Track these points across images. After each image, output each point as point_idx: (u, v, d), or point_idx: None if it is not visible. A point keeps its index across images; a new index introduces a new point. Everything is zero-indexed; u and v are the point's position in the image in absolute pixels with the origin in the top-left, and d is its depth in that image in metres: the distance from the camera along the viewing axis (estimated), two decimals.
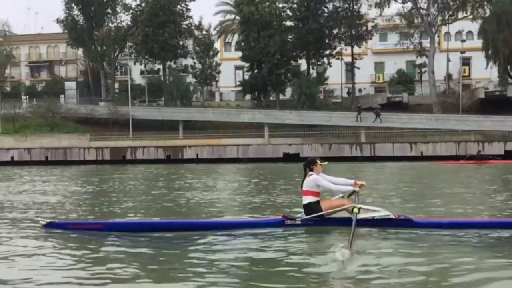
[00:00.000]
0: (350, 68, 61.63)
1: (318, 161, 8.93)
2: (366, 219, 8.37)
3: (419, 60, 65.87)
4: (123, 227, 9.00)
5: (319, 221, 8.53)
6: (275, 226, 8.60)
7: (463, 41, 56.76)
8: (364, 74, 67.24)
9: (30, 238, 8.57)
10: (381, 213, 8.59)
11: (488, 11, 54.28)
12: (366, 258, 6.51)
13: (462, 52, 54.17)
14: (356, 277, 5.79)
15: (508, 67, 50.97)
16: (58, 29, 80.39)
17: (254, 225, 8.83)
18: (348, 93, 63.34)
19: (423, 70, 68.14)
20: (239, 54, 68.29)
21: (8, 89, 72.22)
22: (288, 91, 61.39)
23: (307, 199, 8.71)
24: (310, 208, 8.64)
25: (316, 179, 8.68)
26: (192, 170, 33.60)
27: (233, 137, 51.44)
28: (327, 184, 8.66)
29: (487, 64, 52.27)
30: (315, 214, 8.56)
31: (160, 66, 66.02)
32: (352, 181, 8.75)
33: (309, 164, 8.93)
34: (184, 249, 7.43)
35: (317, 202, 8.67)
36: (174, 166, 41.34)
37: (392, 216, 8.55)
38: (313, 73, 60.48)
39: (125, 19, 65.11)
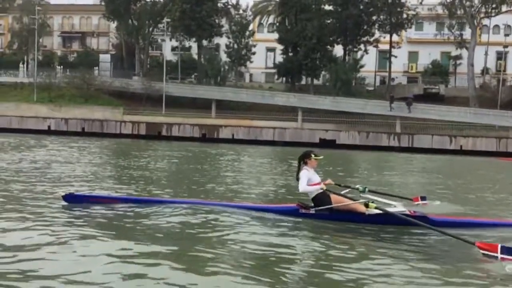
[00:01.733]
0: (385, 56, 60.84)
1: (313, 155, 8.71)
2: (381, 215, 8.09)
3: (455, 52, 65.08)
4: (140, 201, 9.11)
5: (333, 214, 8.36)
6: (290, 213, 8.51)
7: (506, 35, 55.69)
8: (397, 63, 66.36)
9: (49, 208, 8.68)
10: (397, 208, 8.36)
11: None
12: (380, 257, 6.33)
13: (505, 46, 53.20)
14: (363, 274, 5.57)
15: None
16: (91, 0, 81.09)
17: (268, 211, 8.73)
18: (382, 81, 62.63)
19: (458, 62, 67.44)
20: (272, 36, 67.90)
21: (40, 58, 72.48)
22: (321, 76, 60.95)
23: (312, 193, 8.56)
24: (319, 200, 8.48)
25: (301, 175, 8.55)
26: (226, 150, 33.62)
27: (266, 120, 51.31)
28: (302, 183, 8.49)
29: None
30: (327, 206, 8.40)
31: (192, 44, 65.88)
32: (319, 185, 8.56)
33: (303, 157, 8.75)
34: (198, 228, 7.45)
35: (324, 193, 8.50)
36: (209, 145, 41.44)
37: (407, 212, 8.26)
38: (349, 59, 59.77)
39: None
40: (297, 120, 52.00)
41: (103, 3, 64.48)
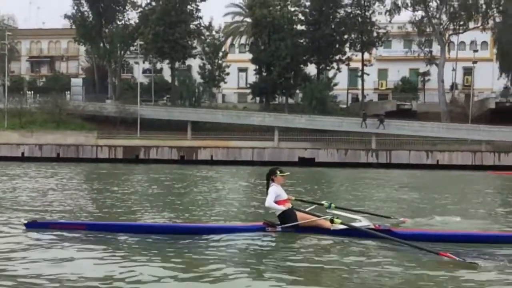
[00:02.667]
0: (356, 74, 61.75)
1: (278, 172, 8.91)
2: (345, 230, 8.27)
3: (423, 68, 66.53)
4: (104, 227, 8.96)
5: (299, 231, 8.45)
6: (256, 232, 8.57)
7: (475, 51, 57.22)
8: (368, 80, 67.35)
9: (10, 236, 8.55)
10: (362, 223, 8.56)
11: (498, 22, 54.86)
12: (344, 269, 6.51)
13: (475, 62, 54.58)
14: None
15: None
16: (59, 24, 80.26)
17: (234, 230, 8.74)
18: (357, 99, 63.55)
19: (426, 78, 68.95)
20: (243, 56, 68.34)
21: (8, 83, 71.21)
22: (296, 95, 61.48)
23: (278, 210, 8.69)
24: (285, 217, 8.59)
25: (269, 191, 8.77)
26: (206, 171, 33.57)
27: (243, 140, 51.36)
28: (269, 198, 8.67)
29: (500, 75, 52.78)
30: (292, 223, 8.51)
31: (163, 65, 65.81)
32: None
33: (269, 175, 8.96)
34: (162, 252, 7.41)
35: (290, 211, 8.63)
36: (188, 167, 41.21)
37: (372, 226, 8.46)
38: (322, 78, 60.48)
39: (132, 17, 64.79)
40: (273, 140, 52.24)
41: (73, 27, 63.98)
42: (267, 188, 8.88)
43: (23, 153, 47.77)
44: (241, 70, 71.06)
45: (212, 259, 6.92)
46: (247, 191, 20.31)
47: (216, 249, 7.62)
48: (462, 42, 66.27)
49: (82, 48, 74.54)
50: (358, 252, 7.47)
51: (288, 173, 9.17)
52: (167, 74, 68.31)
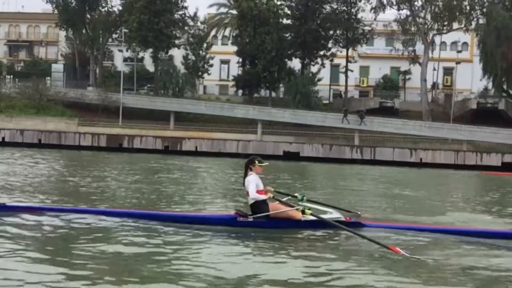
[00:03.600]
0: (340, 70, 62.07)
1: (257, 162, 8.95)
2: (316, 221, 8.49)
3: (404, 67, 67.23)
4: (58, 210, 9.05)
5: (271, 221, 8.56)
6: (228, 222, 8.65)
7: (459, 51, 58.04)
8: (349, 77, 67.88)
9: None
10: (333, 215, 8.77)
11: (481, 23, 55.61)
12: (314, 262, 6.69)
13: (458, 63, 55.37)
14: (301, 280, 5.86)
15: (504, 80, 52.27)
16: (38, 8, 78.93)
17: (206, 219, 8.89)
18: (340, 95, 63.91)
19: (407, 77, 69.74)
20: (226, 48, 68.10)
21: None
22: (278, 89, 61.55)
23: (250, 200, 8.78)
24: (257, 207, 8.67)
25: (248, 180, 8.76)
26: (188, 162, 33.43)
27: (226, 132, 51.28)
28: (249, 188, 8.68)
29: (483, 76, 53.57)
30: (264, 213, 8.59)
31: (144, 55, 65.17)
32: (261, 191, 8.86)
33: (248, 164, 9.00)
34: (125, 239, 7.44)
35: (262, 201, 8.71)
36: (172, 157, 40.98)
37: (343, 219, 8.73)
38: (306, 73, 60.59)
39: (115, 4, 63.95)
40: (256, 133, 52.21)
41: (55, 12, 62.82)
42: (244, 177, 8.87)
43: (3, 138, 46.87)
44: (223, 62, 70.83)
45: (182, 247, 6.95)
46: (226, 181, 20.37)
47: (186, 237, 7.69)
48: (443, 43, 67.02)
49: (62, 34, 73.36)
50: (324, 244, 7.78)
51: (267, 163, 9.17)
52: (148, 63, 67.74)
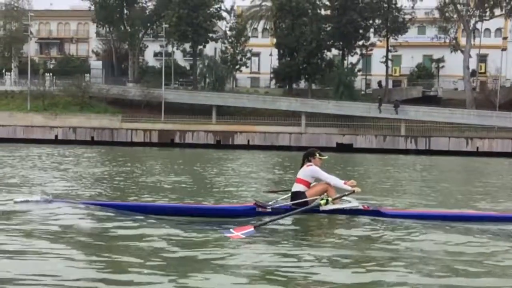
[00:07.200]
0: (382, 60, 61.64)
1: (317, 154, 8.92)
2: (335, 210, 8.49)
3: (437, 55, 66.74)
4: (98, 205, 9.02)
5: (288, 210, 8.36)
6: (247, 213, 8.58)
7: (504, 38, 57.53)
8: (380, 67, 67.50)
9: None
10: (352, 203, 8.69)
11: None
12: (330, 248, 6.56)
13: (504, 49, 54.92)
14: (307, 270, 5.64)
15: None
16: (66, 5, 78.96)
17: (225, 211, 8.85)
18: (380, 85, 63.61)
19: (441, 65, 69.24)
20: (256, 40, 67.83)
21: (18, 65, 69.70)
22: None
23: (297, 187, 8.72)
24: (296, 195, 8.66)
25: (314, 171, 8.68)
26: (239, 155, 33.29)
27: (268, 125, 51.17)
28: (325, 175, 8.63)
29: None
30: (298, 201, 8.54)
31: (174, 49, 65.09)
32: (343, 181, 8.74)
33: (308, 156, 8.95)
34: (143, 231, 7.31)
35: (305, 192, 8.67)
36: (224, 151, 40.97)
37: (361, 207, 8.68)
38: (346, 63, 60.34)
39: None
40: (300, 125, 52.07)
41: (91, 9, 62.73)
42: (301, 167, 8.83)
43: (56, 136, 47.01)
44: (254, 54, 70.59)
45: (202, 241, 6.82)
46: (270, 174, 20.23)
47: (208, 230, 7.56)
48: (477, 29, 66.58)
49: (92, 31, 73.43)
50: (341, 233, 7.64)
51: (327, 157, 9.16)
52: (179, 58, 67.67)
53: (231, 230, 7.07)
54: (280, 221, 7.84)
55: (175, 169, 20.87)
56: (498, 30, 68.29)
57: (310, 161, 8.81)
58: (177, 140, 46.90)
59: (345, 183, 8.64)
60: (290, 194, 8.88)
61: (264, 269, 5.50)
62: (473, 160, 36.67)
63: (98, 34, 71.92)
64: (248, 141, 46.75)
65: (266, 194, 10.75)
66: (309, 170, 8.68)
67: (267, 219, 7.87)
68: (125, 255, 5.91)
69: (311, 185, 8.81)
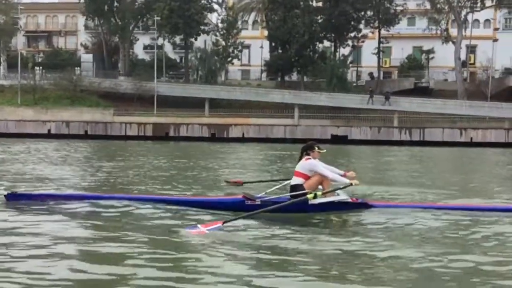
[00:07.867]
0: (372, 51, 61.79)
1: (316, 147, 8.97)
2: (324, 203, 8.53)
3: (426, 46, 66.98)
4: (69, 197, 9.29)
5: (277, 203, 8.44)
6: (236, 205, 8.66)
7: (496, 29, 57.81)
8: (370, 58, 67.62)
9: None
10: (340, 196, 8.76)
11: None
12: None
13: (495, 41, 55.25)
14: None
15: None
16: None
17: (214, 203, 8.97)
18: (371, 76, 63.75)
19: (430, 56, 69.47)
20: (246, 33, 67.51)
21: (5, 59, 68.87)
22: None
23: (296, 180, 8.79)
24: (295, 188, 8.72)
25: (313, 164, 8.73)
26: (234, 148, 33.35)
27: (261, 117, 51.05)
28: (323, 170, 8.66)
29: None
30: (296, 192, 8.60)
31: (164, 42, 64.67)
32: (342, 172, 8.90)
33: (306, 149, 9.01)
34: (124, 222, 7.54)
35: (303, 185, 8.72)
36: (219, 144, 40.88)
37: (349, 200, 8.77)
38: (338, 55, 60.37)
39: None
40: (293, 117, 52.03)
41: (81, 1, 62.05)
42: (299, 161, 8.88)
43: (49, 130, 46.59)
44: (244, 47, 70.35)
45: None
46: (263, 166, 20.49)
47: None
48: (466, 20, 66.88)
49: (81, 23, 72.76)
50: (330, 225, 8.01)
51: (325, 150, 9.19)
52: (168, 50, 67.25)
53: (198, 225, 7.03)
54: (254, 216, 7.84)
55: (169, 162, 20.88)
56: (487, 21, 68.72)
57: (308, 154, 8.82)
58: (171, 133, 46.72)
59: (344, 175, 8.70)
60: (281, 186, 8.94)
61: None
62: (468, 151, 36.97)
63: (86, 27, 71.30)
64: (243, 133, 46.69)
65: (233, 185, 10.96)
66: (307, 164, 8.68)
67: (244, 214, 7.83)
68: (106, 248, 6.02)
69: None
